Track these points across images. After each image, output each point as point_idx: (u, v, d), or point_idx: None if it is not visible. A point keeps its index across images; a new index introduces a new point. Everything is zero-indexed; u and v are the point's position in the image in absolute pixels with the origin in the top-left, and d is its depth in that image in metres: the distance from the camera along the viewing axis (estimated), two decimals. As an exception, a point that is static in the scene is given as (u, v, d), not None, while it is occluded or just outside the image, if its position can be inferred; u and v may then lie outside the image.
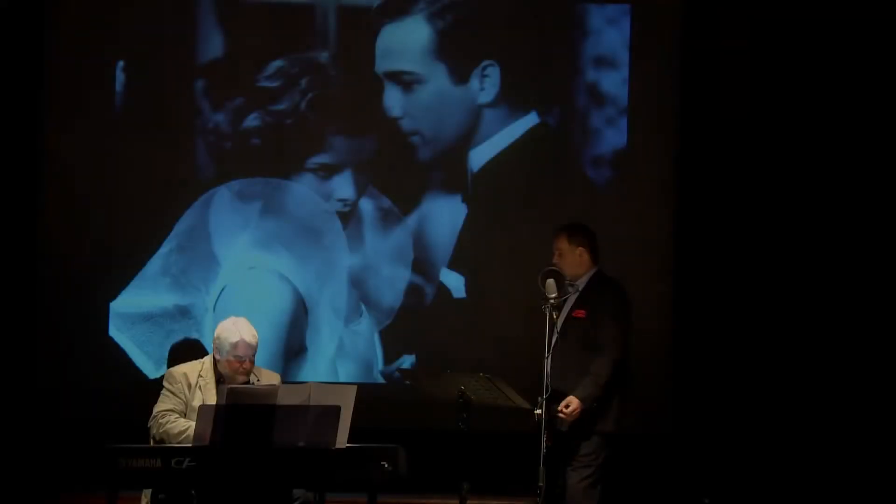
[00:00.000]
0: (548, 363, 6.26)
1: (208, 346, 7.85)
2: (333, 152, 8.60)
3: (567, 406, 6.31)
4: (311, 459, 5.64)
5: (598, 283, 6.57)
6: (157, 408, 6.22)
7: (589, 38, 8.52)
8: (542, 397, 6.20)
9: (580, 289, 6.54)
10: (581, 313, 6.46)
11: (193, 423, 6.03)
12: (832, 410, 8.05)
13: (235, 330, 6.21)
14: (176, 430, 6.06)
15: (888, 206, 8.18)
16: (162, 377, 6.35)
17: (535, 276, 6.44)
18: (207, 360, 6.33)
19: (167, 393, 6.24)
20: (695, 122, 8.38)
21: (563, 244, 6.56)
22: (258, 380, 6.29)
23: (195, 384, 6.22)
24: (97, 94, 8.65)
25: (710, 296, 8.32)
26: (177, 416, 6.16)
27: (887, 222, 8.18)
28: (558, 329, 6.41)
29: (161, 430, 6.13)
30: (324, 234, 8.56)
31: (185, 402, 6.21)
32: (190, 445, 5.78)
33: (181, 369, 6.31)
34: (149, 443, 6.22)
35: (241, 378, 6.20)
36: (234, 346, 6.18)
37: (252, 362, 6.25)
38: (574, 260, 6.54)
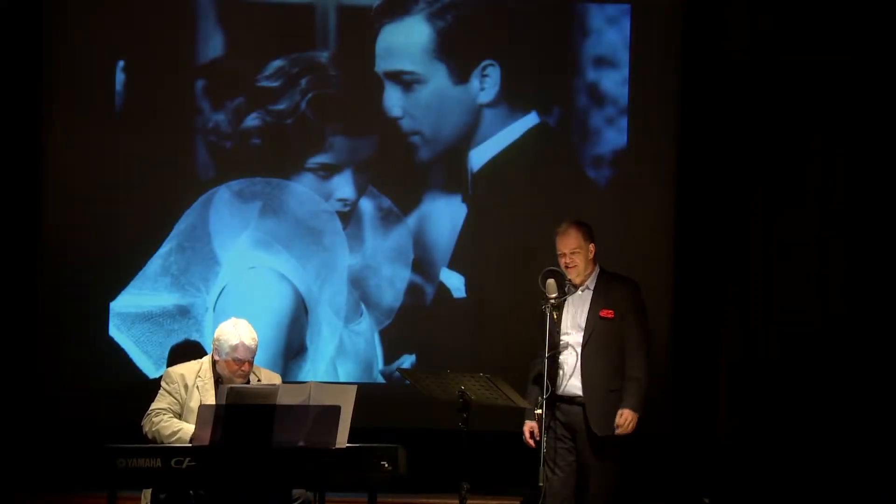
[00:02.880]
0: (552, 361, 6.26)
1: (208, 346, 7.86)
2: (333, 152, 8.60)
3: (621, 416, 6.34)
4: (311, 459, 5.65)
5: (610, 280, 6.56)
6: (153, 405, 6.23)
7: (589, 38, 8.52)
8: (542, 397, 6.20)
9: (591, 287, 6.52)
10: (609, 313, 6.45)
11: (186, 425, 6.05)
12: (832, 409, 8.04)
13: (235, 332, 6.20)
14: (168, 431, 6.06)
15: (889, 206, 8.17)
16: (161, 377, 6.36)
17: (535, 276, 6.45)
18: (206, 360, 6.33)
19: (163, 392, 6.25)
20: (695, 121, 8.38)
21: (579, 241, 6.51)
22: (259, 380, 6.29)
23: (193, 384, 6.22)
24: (97, 94, 8.64)
25: (710, 296, 8.31)
26: (170, 415, 6.16)
27: (889, 223, 8.17)
28: (584, 330, 6.41)
29: (153, 429, 6.13)
30: (324, 233, 8.56)
31: (180, 403, 6.21)
32: (190, 445, 5.79)
33: (179, 370, 6.31)
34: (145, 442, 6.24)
35: (240, 380, 6.21)
36: (234, 348, 6.18)
37: (251, 364, 6.25)
38: (587, 257, 6.53)
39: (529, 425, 6.50)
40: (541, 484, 6.16)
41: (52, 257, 8.59)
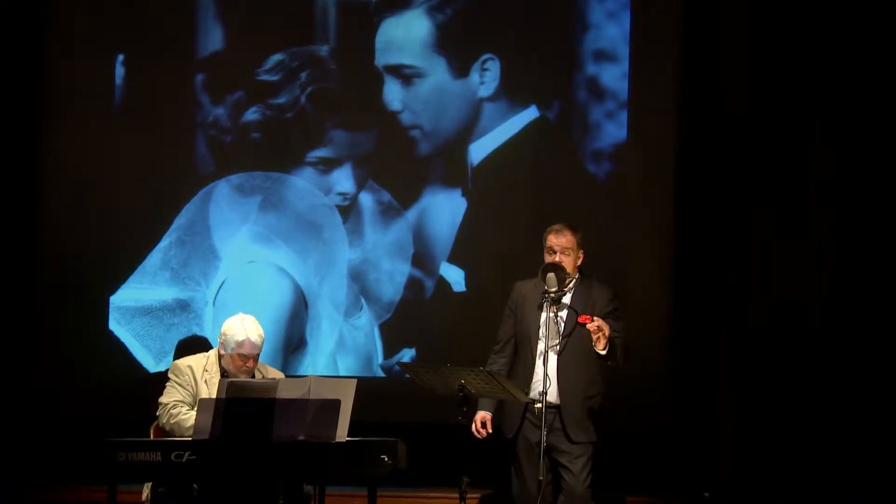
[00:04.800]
0: (547, 359, 6.25)
1: (209, 340, 7.88)
2: (333, 146, 8.60)
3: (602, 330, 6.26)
4: (311, 453, 5.65)
5: (589, 286, 6.53)
6: (167, 398, 6.23)
7: (589, 32, 8.51)
8: (541, 391, 6.20)
9: (570, 293, 6.51)
10: (587, 319, 6.42)
11: None
12: (833, 406, 8.04)
13: (242, 328, 6.23)
14: (189, 423, 6.05)
15: (890, 203, 8.15)
16: (162, 371, 6.37)
17: (534, 270, 6.45)
18: (212, 354, 6.35)
19: (175, 385, 6.26)
20: (695, 115, 8.36)
21: (572, 243, 6.48)
22: (263, 377, 6.31)
23: (201, 378, 6.25)
24: (96, 88, 8.64)
25: (711, 291, 8.30)
26: (188, 407, 6.17)
27: (890, 221, 8.14)
28: (561, 333, 6.40)
29: (172, 421, 6.14)
30: (324, 228, 8.56)
31: (192, 395, 6.22)
32: (189, 439, 5.79)
33: (186, 362, 6.33)
34: (149, 435, 6.23)
35: (244, 376, 6.22)
36: (240, 344, 6.20)
37: (256, 361, 6.27)
38: (574, 261, 6.51)
39: (482, 415, 6.49)
40: (540, 478, 6.15)
41: (52, 251, 8.60)
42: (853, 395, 8.02)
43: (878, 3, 8.14)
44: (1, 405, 8.44)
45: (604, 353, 6.32)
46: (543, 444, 6.12)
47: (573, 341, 6.43)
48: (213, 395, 5.98)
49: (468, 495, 6.15)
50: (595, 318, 6.29)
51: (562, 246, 6.48)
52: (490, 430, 6.50)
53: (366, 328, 8.50)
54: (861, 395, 8.02)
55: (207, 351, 6.46)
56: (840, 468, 7.93)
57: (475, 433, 6.45)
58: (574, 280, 6.51)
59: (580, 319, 6.39)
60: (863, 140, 8.12)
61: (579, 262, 6.54)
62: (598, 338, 6.25)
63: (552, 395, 6.37)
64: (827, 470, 7.94)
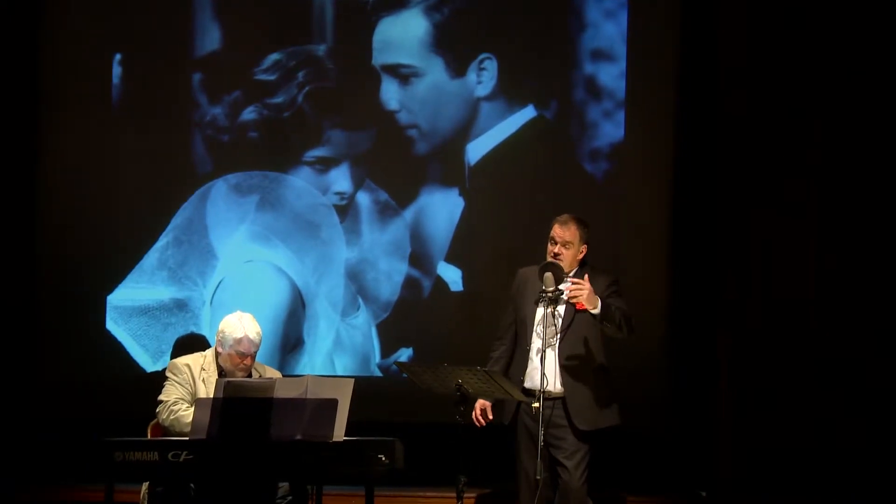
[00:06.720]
0: (545, 356, 6.24)
1: (207, 339, 7.87)
2: (330, 145, 8.59)
3: (580, 285, 6.22)
4: (309, 453, 5.64)
5: (587, 274, 6.51)
6: (167, 395, 6.24)
7: (586, 31, 8.50)
8: (540, 390, 6.18)
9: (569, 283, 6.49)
10: (582, 305, 6.40)
11: None
12: (833, 406, 8.03)
13: (240, 326, 6.23)
14: (190, 419, 6.04)
15: (891, 203, 8.13)
16: (159, 370, 6.37)
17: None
18: (210, 353, 6.36)
19: (173, 383, 6.27)
20: (694, 115, 8.35)
21: (575, 236, 6.47)
22: (260, 376, 6.30)
23: (199, 377, 6.25)
24: (94, 88, 8.64)
25: (710, 291, 8.29)
26: (188, 405, 6.18)
27: (887, 219, 8.13)
28: (561, 324, 6.38)
29: (172, 417, 6.15)
30: (321, 227, 8.55)
31: (191, 393, 6.23)
32: (186, 439, 5.79)
33: (184, 360, 6.35)
34: (146, 435, 6.23)
35: (241, 374, 6.23)
36: (238, 341, 6.21)
37: (253, 359, 6.28)
38: (576, 255, 6.49)
39: (482, 403, 6.51)
40: (538, 477, 6.15)
41: (50, 250, 8.60)
42: (853, 395, 8.01)
43: (878, 3, 8.12)
44: (-1, 404, 8.45)
45: (596, 312, 6.28)
46: (541, 442, 6.12)
47: (573, 332, 6.42)
48: (211, 394, 5.98)
49: (465, 494, 6.16)
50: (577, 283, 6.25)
51: (563, 239, 6.47)
52: (491, 418, 6.51)
53: (363, 328, 8.49)
54: (861, 395, 8.01)
55: (205, 350, 6.46)
56: (840, 468, 7.93)
57: (475, 420, 6.47)
58: (573, 271, 6.48)
59: (578, 307, 6.36)
60: (863, 140, 8.11)
61: (580, 256, 6.52)
62: (582, 296, 6.19)
63: (554, 387, 6.36)
64: (827, 470, 7.93)
